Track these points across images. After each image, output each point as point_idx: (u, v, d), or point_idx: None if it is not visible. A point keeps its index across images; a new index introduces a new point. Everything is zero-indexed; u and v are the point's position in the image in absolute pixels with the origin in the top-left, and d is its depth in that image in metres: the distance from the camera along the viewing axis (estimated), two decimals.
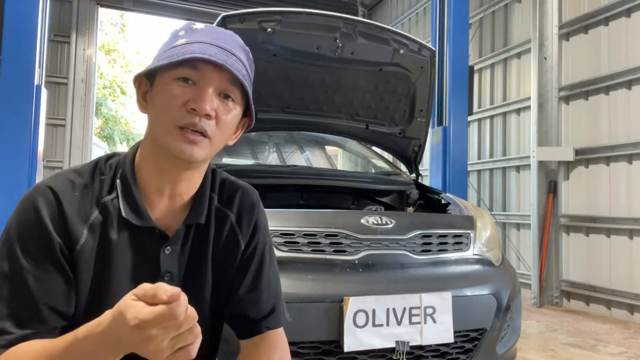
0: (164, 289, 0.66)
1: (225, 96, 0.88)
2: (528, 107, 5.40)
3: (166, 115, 0.85)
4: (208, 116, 0.84)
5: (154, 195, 0.92)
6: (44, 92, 3.73)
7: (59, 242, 0.84)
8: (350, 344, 1.78)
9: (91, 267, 0.88)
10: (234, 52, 0.88)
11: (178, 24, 0.91)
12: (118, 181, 0.91)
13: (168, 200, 0.93)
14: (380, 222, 2.09)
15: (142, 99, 0.91)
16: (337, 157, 4.85)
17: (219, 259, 0.99)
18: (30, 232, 0.84)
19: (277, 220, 1.96)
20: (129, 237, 0.90)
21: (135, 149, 0.96)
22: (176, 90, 0.84)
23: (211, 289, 0.98)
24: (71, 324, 0.86)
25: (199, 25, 0.92)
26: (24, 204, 0.86)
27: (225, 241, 0.99)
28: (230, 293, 1.01)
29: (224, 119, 0.88)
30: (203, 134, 0.85)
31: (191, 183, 0.94)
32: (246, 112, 0.95)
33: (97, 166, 0.94)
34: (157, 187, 0.92)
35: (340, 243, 1.99)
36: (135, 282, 0.90)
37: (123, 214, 0.89)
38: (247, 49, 0.95)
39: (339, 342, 1.78)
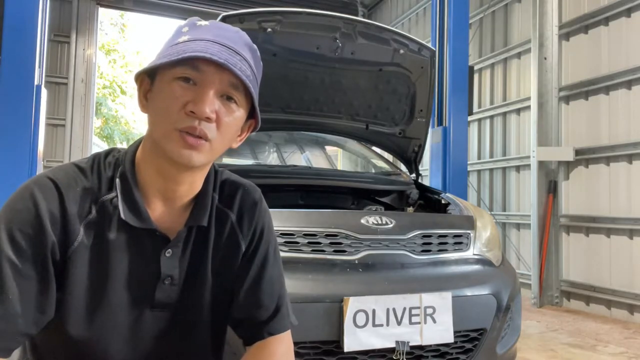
0: None
1: (227, 97, 0.83)
2: (528, 107, 5.39)
3: (165, 117, 0.81)
4: (208, 119, 0.80)
5: (154, 196, 0.88)
6: (44, 92, 3.73)
7: (52, 241, 0.79)
8: (350, 344, 1.77)
9: (86, 269, 0.83)
10: (238, 50, 0.83)
11: (178, 24, 0.88)
12: (117, 180, 0.86)
13: (168, 202, 0.89)
14: (380, 222, 2.09)
15: (144, 98, 0.86)
16: (337, 157, 4.84)
17: (219, 261, 0.95)
18: (23, 223, 0.78)
19: (277, 220, 1.92)
20: (128, 238, 0.86)
21: (135, 146, 0.91)
22: (176, 90, 0.80)
23: (212, 292, 0.94)
24: (57, 324, 0.82)
25: (204, 22, 0.87)
26: (22, 193, 0.80)
27: (226, 242, 0.95)
28: (232, 296, 0.97)
29: (225, 122, 0.83)
30: (203, 137, 0.81)
31: (193, 184, 0.90)
32: (252, 114, 0.90)
33: (95, 162, 0.89)
34: (157, 188, 0.88)
35: (340, 243, 1.99)
36: (134, 286, 0.87)
37: (122, 215, 0.84)
38: (254, 46, 0.89)
39: (339, 342, 1.78)
